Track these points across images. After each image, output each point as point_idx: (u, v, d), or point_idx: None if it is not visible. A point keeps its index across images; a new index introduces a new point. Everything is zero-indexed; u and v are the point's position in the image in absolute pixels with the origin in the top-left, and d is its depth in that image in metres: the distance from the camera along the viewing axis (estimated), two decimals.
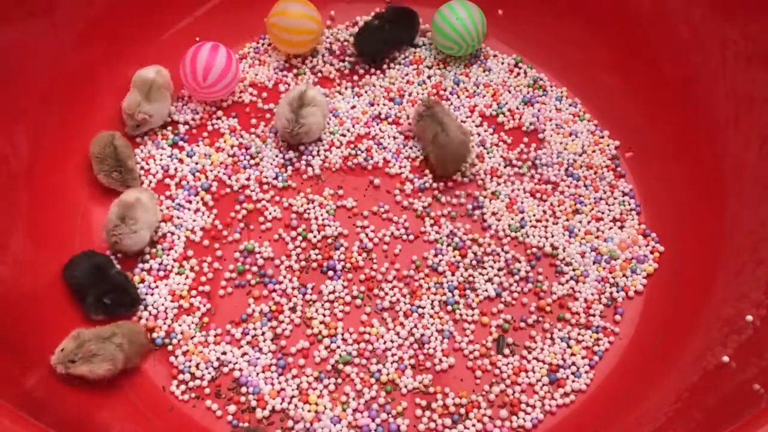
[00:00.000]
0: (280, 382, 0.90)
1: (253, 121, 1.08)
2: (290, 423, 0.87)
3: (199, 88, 1.05)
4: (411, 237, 1.01)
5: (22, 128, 0.98)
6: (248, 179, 1.04)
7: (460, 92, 1.12)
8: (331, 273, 0.97)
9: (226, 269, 0.97)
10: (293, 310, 0.95)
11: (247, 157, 1.05)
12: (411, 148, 1.07)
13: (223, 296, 0.96)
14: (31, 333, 0.87)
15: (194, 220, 1.01)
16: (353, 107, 1.10)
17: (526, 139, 1.09)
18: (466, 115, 1.10)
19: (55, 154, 1.00)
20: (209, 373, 0.90)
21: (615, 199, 1.04)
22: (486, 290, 0.96)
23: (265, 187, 1.03)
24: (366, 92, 1.11)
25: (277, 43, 1.13)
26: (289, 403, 0.89)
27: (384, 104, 1.11)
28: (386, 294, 0.96)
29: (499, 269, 0.98)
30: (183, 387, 0.90)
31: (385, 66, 1.14)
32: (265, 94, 1.11)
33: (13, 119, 0.97)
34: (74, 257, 0.93)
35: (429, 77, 1.13)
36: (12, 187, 0.95)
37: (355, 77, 1.13)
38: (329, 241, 1.00)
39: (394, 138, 1.08)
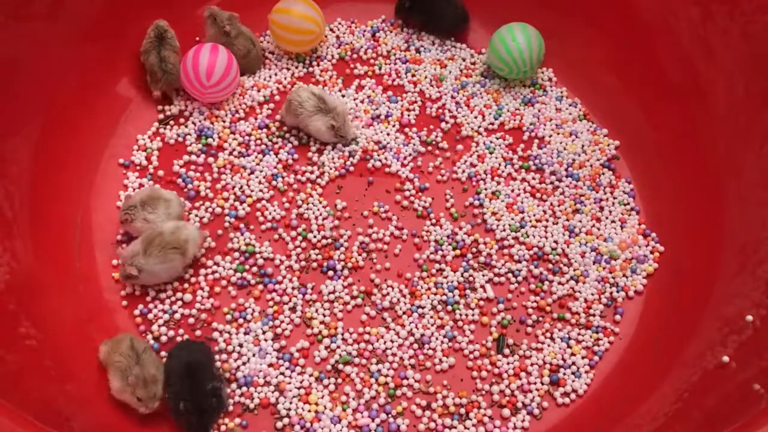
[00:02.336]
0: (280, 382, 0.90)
1: (252, 120, 1.09)
2: (284, 422, 0.87)
3: (203, 89, 1.04)
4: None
5: (23, 131, 0.98)
6: (248, 179, 1.04)
7: (461, 92, 1.12)
8: (331, 273, 0.97)
9: (227, 269, 0.97)
10: (293, 310, 0.95)
11: (248, 157, 1.06)
12: (411, 147, 1.07)
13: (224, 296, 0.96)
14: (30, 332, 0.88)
15: (194, 222, 1.01)
16: (354, 107, 1.10)
17: (525, 138, 1.09)
18: (467, 115, 1.10)
19: (56, 157, 1.00)
20: None
21: (615, 199, 1.04)
22: (486, 290, 0.96)
23: (265, 187, 1.04)
24: (364, 90, 1.12)
25: (277, 40, 1.13)
26: (290, 403, 0.89)
27: (384, 104, 1.11)
28: (386, 294, 0.96)
29: (499, 269, 0.98)
30: None
31: (384, 66, 1.14)
32: (266, 94, 1.11)
33: (14, 122, 0.96)
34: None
35: (428, 77, 1.13)
36: (13, 189, 0.95)
37: (355, 78, 1.13)
38: (329, 240, 1.00)
39: (395, 138, 1.08)
